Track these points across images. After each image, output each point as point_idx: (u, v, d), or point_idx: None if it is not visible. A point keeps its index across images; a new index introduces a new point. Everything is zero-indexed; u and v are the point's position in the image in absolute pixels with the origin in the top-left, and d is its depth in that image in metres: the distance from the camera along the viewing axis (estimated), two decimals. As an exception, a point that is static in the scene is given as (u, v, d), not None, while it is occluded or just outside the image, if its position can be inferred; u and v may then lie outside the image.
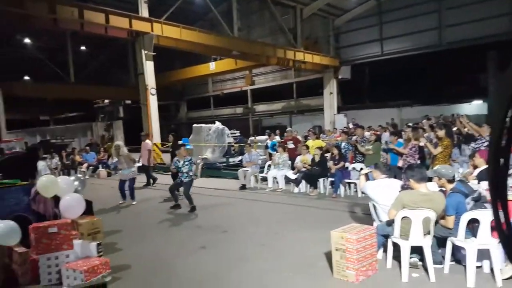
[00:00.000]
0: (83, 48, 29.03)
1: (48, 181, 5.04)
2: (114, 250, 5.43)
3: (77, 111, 36.92)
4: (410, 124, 12.14)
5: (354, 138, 9.90)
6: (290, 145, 10.81)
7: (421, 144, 7.21)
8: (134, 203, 8.77)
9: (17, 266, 4.28)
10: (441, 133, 7.05)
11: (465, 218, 3.88)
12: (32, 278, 4.28)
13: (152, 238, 6.11)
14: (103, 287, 3.30)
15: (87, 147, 16.59)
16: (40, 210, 5.11)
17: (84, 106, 34.03)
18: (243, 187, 10.07)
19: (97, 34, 14.23)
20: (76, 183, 5.98)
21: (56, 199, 5.22)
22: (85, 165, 14.44)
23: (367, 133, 12.86)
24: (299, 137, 12.33)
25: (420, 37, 20.05)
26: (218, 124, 13.88)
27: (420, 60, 20.33)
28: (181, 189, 7.98)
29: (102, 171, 14.08)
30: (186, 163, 7.87)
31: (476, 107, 19.26)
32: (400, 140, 8.28)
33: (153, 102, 14.87)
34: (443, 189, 4.46)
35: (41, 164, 5.70)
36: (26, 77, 27.57)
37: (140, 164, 10.89)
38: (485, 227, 3.83)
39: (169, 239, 5.97)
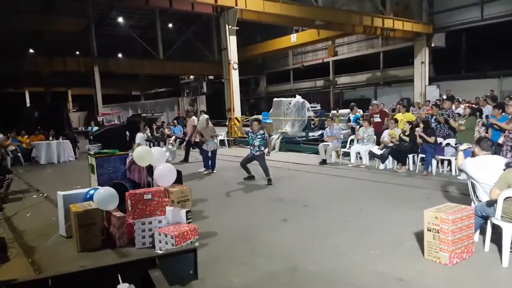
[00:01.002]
0: (170, 25, 30.53)
1: (143, 151, 5.46)
2: (201, 218, 5.75)
3: (166, 86, 39.43)
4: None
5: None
6: (377, 119, 10.26)
7: None
8: (214, 172, 9.33)
9: (115, 229, 4.69)
10: None
11: None
12: (128, 241, 4.68)
13: (235, 208, 6.33)
14: (193, 251, 3.48)
15: (175, 121, 17.62)
16: (135, 178, 5.57)
17: (171, 81, 36.25)
18: (323, 162, 9.89)
19: (184, 10, 14.73)
20: (168, 154, 6.41)
21: (150, 169, 5.65)
22: (173, 137, 15.39)
23: (461, 107, 11.73)
24: (386, 110, 11.61)
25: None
26: (298, 98, 13.73)
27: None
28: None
29: (189, 143, 14.86)
30: (259, 136, 7.92)
31: None
32: (504, 114, 7.38)
33: (235, 77, 15.17)
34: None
35: (139, 136, 6.15)
36: (120, 55, 29.89)
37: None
38: None
39: (251, 210, 6.14)
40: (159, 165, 5.24)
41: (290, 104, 13.74)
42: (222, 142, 15.26)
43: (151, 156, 5.45)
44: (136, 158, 5.42)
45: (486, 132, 7.55)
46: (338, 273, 3.74)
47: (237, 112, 15.41)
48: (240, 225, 5.41)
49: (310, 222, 5.37)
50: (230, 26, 14.59)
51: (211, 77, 32.00)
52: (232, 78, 15.10)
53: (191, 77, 33.65)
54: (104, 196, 4.63)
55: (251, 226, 5.30)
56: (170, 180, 5.24)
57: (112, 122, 19.54)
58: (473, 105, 11.08)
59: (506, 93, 14.82)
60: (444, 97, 15.90)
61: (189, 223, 4.86)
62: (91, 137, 13.41)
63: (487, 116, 8.58)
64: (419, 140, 8.10)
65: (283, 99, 14.34)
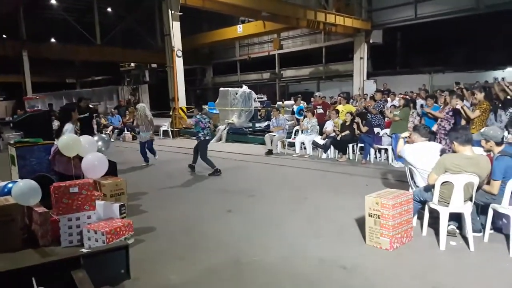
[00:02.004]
0: (109, 9, 28.81)
1: (70, 140, 4.91)
2: (138, 212, 5.38)
3: (104, 74, 37.26)
4: (443, 90, 11.50)
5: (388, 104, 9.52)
6: (319, 110, 10.42)
7: (458, 107, 6.72)
8: (156, 157, 9.03)
9: (37, 227, 4.18)
10: (480, 96, 6.61)
11: (511, 184, 3.52)
12: (52, 239, 4.18)
13: (176, 200, 6.04)
14: (125, 249, 3.16)
15: (114, 110, 16.68)
16: (61, 170, 5.04)
17: (110, 69, 34.29)
18: (269, 152, 9.86)
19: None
20: (100, 143, 5.88)
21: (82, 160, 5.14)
22: (110, 128, 14.56)
23: (396, 99, 12.35)
24: (328, 102, 11.89)
25: (456, 0, 18.65)
26: (244, 88, 13.57)
27: (455, 24, 19.06)
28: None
29: (127, 134, 14.17)
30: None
31: (509, 73, 18.09)
32: (436, 104, 7.85)
33: (179, 65, 14.60)
34: (487, 153, 4.09)
35: (69, 127, 5.56)
36: (53, 40, 27.70)
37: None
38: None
39: (194, 202, 5.88)
40: (88, 154, 4.77)
41: (236, 94, 13.53)
42: (166, 133, 14.72)
43: (79, 145, 4.92)
44: (61, 147, 4.86)
45: (420, 122, 7.93)
46: (283, 262, 3.64)
47: (181, 101, 14.89)
48: (182, 218, 5.14)
49: (255, 212, 5.24)
50: (173, 11, 13.99)
51: (154, 65, 30.77)
52: (176, 65, 14.52)
53: (132, 64, 32.09)
54: (23, 190, 4.09)
55: (194, 219, 5.05)
56: (100, 172, 4.80)
57: (36, 108, 17.80)
58: (407, 97, 11.63)
59: (436, 88, 15.86)
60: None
61: (123, 218, 4.50)
62: (11, 125, 12.18)
63: (421, 106, 9.02)
64: (357, 131, 8.34)
65: (229, 89, 14.08)
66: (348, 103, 12.09)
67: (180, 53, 14.42)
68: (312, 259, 3.68)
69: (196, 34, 26.22)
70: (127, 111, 16.43)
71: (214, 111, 13.14)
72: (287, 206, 5.39)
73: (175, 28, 14.23)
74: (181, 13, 14.29)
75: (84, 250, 3.48)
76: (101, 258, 3.26)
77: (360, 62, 22.20)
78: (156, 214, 5.30)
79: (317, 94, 12.34)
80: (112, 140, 14.15)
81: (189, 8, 15.13)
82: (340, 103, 10.72)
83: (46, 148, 5.46)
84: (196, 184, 7.06)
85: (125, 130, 14.62)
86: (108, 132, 14.40)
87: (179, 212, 5.43)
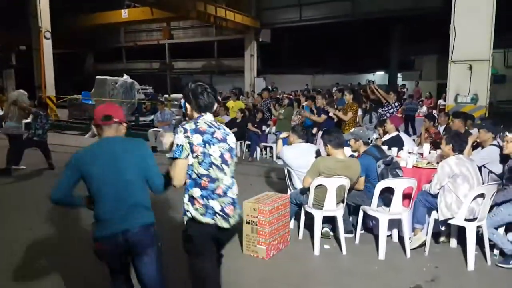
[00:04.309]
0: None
1: None
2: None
3: (-42, 55, 31.34)
4: (320, 90, 12.33)
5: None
6: None
7: (330, 114, 7.07)
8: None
9: None
10: (349, 97, 7.02)
11: (379, 187, 3.69)
12: None
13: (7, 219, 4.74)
14: None
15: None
16: None
17: (-32, 50, 28.92)
18: (153, 149, 9.18)
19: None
20: None
21: None
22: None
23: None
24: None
25: (337, 5, 20.19)
26: (126, 78, 12.53)
27: (334, 29, 20.80)
28: None
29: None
30: None
31: (379, 77, 20.69)
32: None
33: (47, 48, 12.81)
34: (356, 154, 4.27)
35: None
36: None
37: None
38: (398, 196, 3.68)
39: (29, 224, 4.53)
40: None
41: (116, 84, 12.39)
42: (28, 126, 12.74)
43: None
44: None
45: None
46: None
47: (50, 89, 13.10)
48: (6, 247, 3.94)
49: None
50: (40, -14, 12.21)
51: (23, 47, 26.80)
52: (44, 48, 12.70)
53: (-5, 46, 27.53)
54: None
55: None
56: None
57: None
58: (291, 96, 12.11)
59: (317, 88, 16.97)
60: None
61: None
62: None
63: (303, 107, 9.38)
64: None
65: (107, 77, 12.85)
66: (239, 100, 12.08)
67: (48, 35, 12.67)
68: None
69: (76, 14, 23.62)
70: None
71: (90, 102, 11.86)
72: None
73: (43, 6, 12.44)
74: (52, -11, 12.57)
75: None
76: None
77: (250, 59, 22.58)
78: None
79: None
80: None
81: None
82: (230, 99, 10.64)
83: None
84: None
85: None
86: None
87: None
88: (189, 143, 2.20)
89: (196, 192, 2.25)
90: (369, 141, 4.33)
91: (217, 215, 2.26)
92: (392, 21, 18.71)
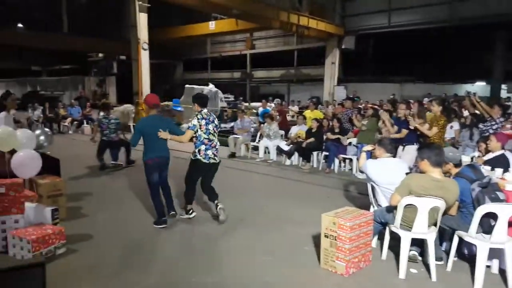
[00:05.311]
0: (78, -3, 27.51)
1: (3, 133, 4.36)
2: (77, 216, 4.85)
3: (71, 63, 35.65)
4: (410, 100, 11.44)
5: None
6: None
7: (411, 127, 6.27)
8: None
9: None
10: (437, 109, 6.00)
11: (480, 211, 3.30)
12: (-25, 244, 3.71)
13: (121, 204, 5.52)
14: (41, 266, 2.66)
15: (73, 101, 15.77)
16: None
17: (78, 59, 32.77)
18: (232, 155, 9.46)
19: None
20: (42, 138, 5.33)
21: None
22: (69, 119, 13.69)
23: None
24: (293, 108, 11.66)
25: (431, 10, 18.87)
26: (211, 86, 13.12)
27: (427, 35, 19.38)
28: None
29: (87, 127, 13.34)
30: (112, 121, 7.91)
31: (478, 88, 18.44)
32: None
33: (144, 58, 13.94)
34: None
35: (2, 117, 5.00)
36: (20, 25, 26.08)
37: None
38: (502, 223, 3.25)
39: (139, 207, 5.37)
40: (20, 151, 4.21)
41: (202, 92, 13.03)
42: (127, 129, 13.98)
43: (14, 139, 4.38)
44: (-7, 141, 4.31)
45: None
46: (221, 286, 3.25)
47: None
48: (121, 226, 4.65)
49: (202, 221, 4.81)
50: (140, 2, 13.34)
51: (123, 57, 29.61)
52: (142, 59, 13.85)
53: (100, 55, 30.81)
54: None
55: (133, 228, 4.58)
56: (31, 171, 4.26)
57: None
58: (376, 106, 11.53)
59: (406, 98, 15.90)
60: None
61: (55, 224, 3.99)
62: None
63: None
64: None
65: (195, 86, 13.61)
66: (317, 109, 11.92)
67: (146, 46, 13.78)
68: (255, 283, 3.31)
69: (167, 27, 25.45)
70: (88, 103, 15.59)
71: (179, 109, 12.62)
72: (239, 216, 4.99)
73: (142, 19, 13.60)
74: (149, 5, 13.69)
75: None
76: (9, 278, 2.77)
77: (331, 67, 22.19)
78: (96, 219, 4.80)
79: (276, 100, 12.06)
80: (70, 132, 13.35)
81: (160, 1, 14.52)
82: (308, 109, 10.52)
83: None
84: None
85: (85, 122, 13.79)
86: (66, 124, 13.55)
87: (120, 218, 4.94)
88: (199, 124, 4.54)
89: (202, 147, 4.57)
90: (460, 162, 3.92)
91: (211, 159, 4.62)
92: (494, 26, 16.87)
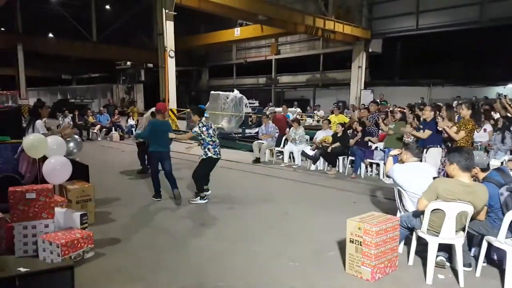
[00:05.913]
0: (107, 7, 28.45)
1: (36, 140, 4.54)
2: (106, 221, 4.98)
3: (100, 72, 36.91)
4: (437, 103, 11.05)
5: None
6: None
7: (439, 128, 6.01)
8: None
9: (-9, 232, 3.91)
10: (466, 112, 5.74)
11: (509, 217, 3.17)
12: (7, 247, 3.84)
13: (149, 209, 5.64)
14: (70, 269, 2.76)
15: (102, 108, 16.27)
16: (22, 170, 4.66)
17: (106, 67, 33.93)
18: (257, 160, 9.46)
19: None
20: (71, 144, 5.52)
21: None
22: (98, 126, 14.13)
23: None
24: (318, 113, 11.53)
25: (460, 12, 18.35)
26: (236, 93, 13.25)
27: (457, 37, 18.80)
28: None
29: (115, 134, 13.74)
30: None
31: (510, 90, 17.68)
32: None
33: (171, 65, 14.28)
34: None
35: (39, 124, 5.25)
36: (51, 34, 27.32)
37: None
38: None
39: (168, 211, 5.49)
40: (51, 158, 4.38)
41: (227, 98, 13.20)
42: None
43: (45, 145, 4.55)
44: (26, 148, 4.50)
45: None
46: (249, 291, 3.26)
47: (172, 103, 14.52)
48: (150, 230, 4.74)
49: (230, 227, 4.85)
50: (167, 11, 13.67)
51: (150, 65, 30.40)
52: (168, 66, 14.19)
53: (128, 63, 31.73)
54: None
55: (162, 232, 4.66)
56: (62, 177, 4.41)
57: (5, 104, 17.25)
58: (404, 110, 11.23)
59: (435, 101, 15.43)
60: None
61: (84, 228, 4.11)
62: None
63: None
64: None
65: (220, 92, 13.77)
66: (342, 113, 11.77)
67: (172, 54, 14.10)
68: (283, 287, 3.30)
69: (193, 35, 25.92)
70: (116, 110, 16.04)
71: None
72: (266, 222, 5.00)
73: (169, 27, 13.94)
74: (175, 13, 14.00)
75: (22, 269, 3.07)
76: (41, 280, 2.88)
77: (358, 71, 21.95)
78: (124, 224, 4.91)
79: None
80: (99, 139, 13.77)
81: (186, 9, 14.84)
82: (333, 113, 10.40)
83: (13, 147, 5.10)
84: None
85: (113, 129, 14.20)
86: (95, 131, 13.99)
87: (148, 222, 5.04)
88: (201, 130, 5.68)
89: (210, 147, 5.72)
90: (488, 167, 3.78)
91: (218, 154, 5.82)
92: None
